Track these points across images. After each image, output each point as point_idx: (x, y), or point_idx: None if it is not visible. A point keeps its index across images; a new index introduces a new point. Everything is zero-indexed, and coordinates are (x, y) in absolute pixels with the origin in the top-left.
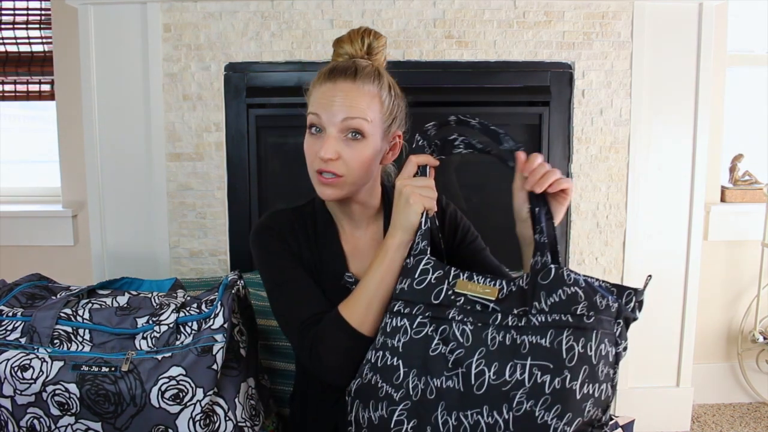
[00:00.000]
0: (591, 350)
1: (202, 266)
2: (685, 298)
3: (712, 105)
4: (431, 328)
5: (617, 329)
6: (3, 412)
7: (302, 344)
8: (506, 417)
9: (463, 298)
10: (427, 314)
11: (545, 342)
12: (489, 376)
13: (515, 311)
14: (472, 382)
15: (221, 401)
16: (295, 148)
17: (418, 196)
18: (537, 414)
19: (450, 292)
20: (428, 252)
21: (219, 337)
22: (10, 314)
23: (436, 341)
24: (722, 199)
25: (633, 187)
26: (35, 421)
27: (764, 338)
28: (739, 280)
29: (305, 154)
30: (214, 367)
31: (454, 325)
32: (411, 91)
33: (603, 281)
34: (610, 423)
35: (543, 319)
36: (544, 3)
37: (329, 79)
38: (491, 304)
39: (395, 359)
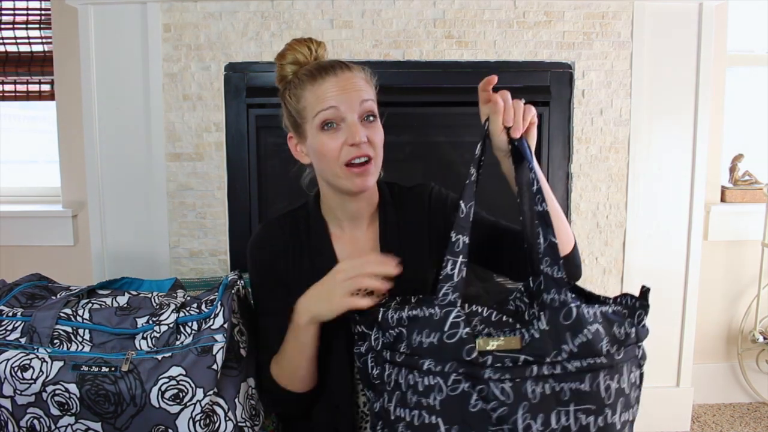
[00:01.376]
0: (624, 383)
1: (202, 266)
2: (685, 298)
3: (712, 105)
4: (467, 385)
5: (639, 352)
6: (3, 412)
7: (258, 376)
8: None
9: (490, 357)
10: (460, 371)
11: (585, 387)
12: (536, 428)
13: (548, 360)
14: None
15: (221, 401)
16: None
17: (345, 296)
18: None
19: (476, 354)
20: (458, 304)
21: (219, 337)
22: (10, 314)
23: (475, 398)
24: (722, 199)
25: (633, 187)
26: (35, 421)
27: (764, 338)
28: (739, 280)
29: (322, 154)
30: (214, 367)
31: (491, 384)
32: (411, 91)
33: (612, 306)
34: None
35: (579, 365)
36: (544, 3)
37: (328, 74)
38: (522, 356)
39: (433, 417)
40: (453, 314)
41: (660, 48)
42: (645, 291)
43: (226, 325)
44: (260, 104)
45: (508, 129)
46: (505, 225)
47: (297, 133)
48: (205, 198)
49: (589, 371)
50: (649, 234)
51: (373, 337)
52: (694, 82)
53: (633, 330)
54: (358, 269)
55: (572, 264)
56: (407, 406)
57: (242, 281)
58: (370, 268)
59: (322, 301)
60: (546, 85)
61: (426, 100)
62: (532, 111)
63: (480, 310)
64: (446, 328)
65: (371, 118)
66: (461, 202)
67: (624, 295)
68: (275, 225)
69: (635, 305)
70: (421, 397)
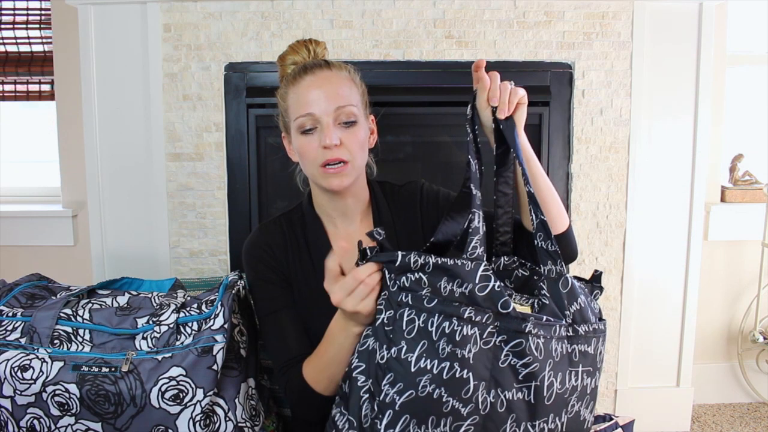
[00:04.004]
0: (605, 350)
1: (202, 266)
2: (685, 298)
3: (712, 105)
4: (499, 339)
5: (605, 327)
6: (3, 412)
7: (280, 383)
8: (563, 421)
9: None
10: (496, 324)
11: (591, 349)
12: (556, 386)
13: (562, 322)
14: (545, 393)
15: (221, 401)
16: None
17: (361, 305)
18: (580, 413)
19: (512, 307)
20: (485, 259)
21: (219, 337)
22: (10, 314)
23: (505, 352)
24: (722, 199)
25: (633, 187)
26: (35, 422)
27: (764, 338)
28: (739, 280)
29: (302, 155)
30: (215, 367)
31: (530, 339)
32: (411, 91)
33: (576, 281)
34: (610, 423)
35: (586, 329)
36: (544, 3)
37: (306, 73)
38: (544, 316)
39: (465, 371)
40: (482, 267)
41: (660, 48)
42: (597, 275)
43: (226, 326)
44: (260, 104)
45: (495, 109)
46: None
47: (287, 132)
48: (205, 198)
49: (594, 335)
50: (649, 234)
51: (387, 278)
52: (694, 82)
53: (598, 306)
54: (353, 281)
55: (568, 243)
56: (437, 357)
57: (242, 281)
58: (360, 274)
59: (350, 320)
60: (546, 85)
61: (426, 100)
62: (520, 92)
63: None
64: (477, 281)
65: (350, 122)
66: (469, 157)
67: (574, 277)
68: (271, 226)
69: (592, 285)
70: (456, 347)
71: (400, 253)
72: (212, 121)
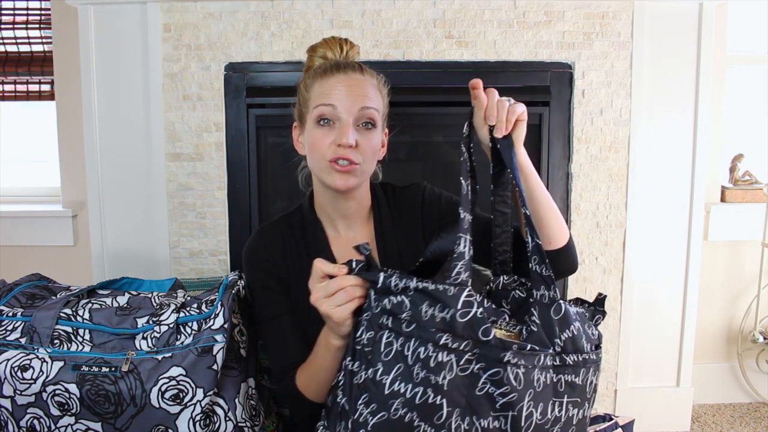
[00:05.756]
0: (597, 380)
1: (202, 266)
2: (685, 298)
3: (712, 105)
4: (478, 366)
5: (601, 355)
6: (3, 412)
7: (278, 387)
8: None
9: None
10: (475, 351)
11: (579, 380)
12: (536, 417)
13: (549, 351)
14: (522, 424)
15: (221, 401)
16: (294, 148)
17: (334, 310)
18: None
19: (493, 335)
20: (469, 284)
21: (219, 337)
22: (10, 314)
23: (483, 380)
24: (722, 199)
25: (633, 187)
26: (35, 422)
27: (764, 338)
28: (739, 280)
29: (312, 147)
30: (215, 367)
31: (509, 368)
32: (411, 91)
33: (575, 308)
34: (610, 423)
35: (575, 359)
36: (544, 3)
37: (338, 71)
38: (528, 345)
39: (439, 397)
40: (465, 292)
41: (660, 48)
42: (602, 298)
43: (226, 326)
44: (260, 104)
45: (492, 127)
46: (479, 215)
47: (300, 123)
48: (205, 198)
49: (583, 365)
50: (649, 234)
51: (372, 299)
52: (694, 82)
53: (597, 331)
54: (322, 298)
55: (568, 256)
56: (411, 382)
57: (242, 281)
58: (345, 281)
59: (334, 328)
60: (546, 85)
61: (426, 100)
62: (517, 110)
63: (478, 298)
64: (459, 306)
65: (369, 125)
66: (461, 178)
67: (577, 299)
68: (271, 229)
69: (594, 309)
70: (430, 373)
71: (381, 274)
72: (212, 121)
